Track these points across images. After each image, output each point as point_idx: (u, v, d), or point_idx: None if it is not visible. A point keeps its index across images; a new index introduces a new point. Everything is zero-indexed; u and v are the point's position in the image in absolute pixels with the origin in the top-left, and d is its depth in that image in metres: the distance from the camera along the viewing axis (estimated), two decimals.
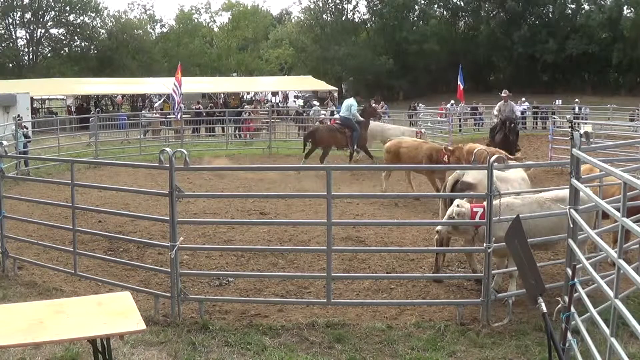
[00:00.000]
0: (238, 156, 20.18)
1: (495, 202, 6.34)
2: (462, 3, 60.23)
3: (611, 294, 3.88)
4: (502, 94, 17.37)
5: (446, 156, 11.38)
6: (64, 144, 18.85)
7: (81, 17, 55.20)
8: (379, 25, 59.11)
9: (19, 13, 52.59)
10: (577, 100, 30.28)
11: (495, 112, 17.57)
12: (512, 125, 16.14)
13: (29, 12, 52.67)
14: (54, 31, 55.14)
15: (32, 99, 29.79)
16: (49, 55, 55.20)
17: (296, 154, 20.62)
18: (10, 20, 52.73)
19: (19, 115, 18.21)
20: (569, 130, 10.93)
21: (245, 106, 32.16)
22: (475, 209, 6.28)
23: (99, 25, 56.99)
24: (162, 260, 7.72)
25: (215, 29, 64.43)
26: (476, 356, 5.28)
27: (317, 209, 10.71)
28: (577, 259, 4.96)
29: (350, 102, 17.21)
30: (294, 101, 40.50)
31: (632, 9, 50.39)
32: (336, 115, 28.12)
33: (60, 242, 8.71)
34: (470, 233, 6.44)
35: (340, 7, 61.08)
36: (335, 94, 41.57)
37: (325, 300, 6.18)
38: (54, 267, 7.54)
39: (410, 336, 5.66)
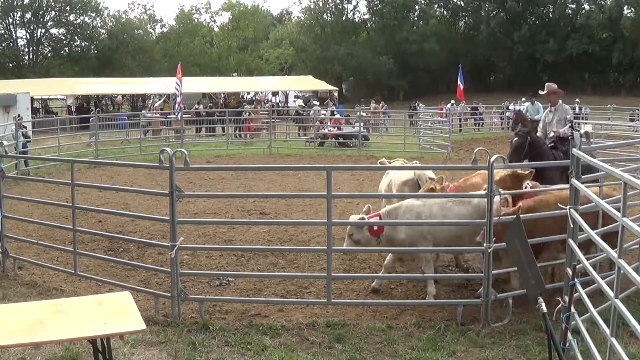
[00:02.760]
0: (238, 156, 20.19)
1: (397, 204, 6.64)
2: (462, 3, 60.28)
3: (611, 294, 3.88)
4: (544, 91, 9.59)
5: None
6: (64, 144, 18.86)
7: (81, 17, 55.28)
8: (379, 25, 59.15)
9: (19, 13, 52.62)
10: (577, 100, 30.29)
11: (540, 133, 9.63)
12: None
13: (29, 12, 52.72)
14: (54, 31, 55.30)
15: (32, 99, 29.82)
16: (49, 55, 55.26)
17: (296, 154, 20.64)
18: (11, 20, 52.77)
19: (19, 115, 18.23)
20: (569, 130, 10.85)
21: (246, 106, 32.17)
22: (371, 220, 6.45)
23: (99, 25, 57.13)
24: (162, 260, 7.72)
25: (216, 29, 64.53)
26: (476, 356, 5.28)
27: (317, 209, 10.71)
28: (577, 259, 4.96)
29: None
30: (294, 101, 40.53)
31: (632, 9, 50.45)
32: (337, 115, 28.20)
33: (60, 242, 8.72)
34: (372, 243, 6.54)
35: (340, 7, 61.16)
36: (336, 94, 41.61)
37: (325, 300, 6.18)
38: (54, 267, 7.54)
39: (411, 336, 5.66)
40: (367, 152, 20.69)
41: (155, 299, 6.24)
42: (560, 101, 9.35)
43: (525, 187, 6.75)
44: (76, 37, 55.64)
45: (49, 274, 7.53)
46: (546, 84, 9.75)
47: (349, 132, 22.69)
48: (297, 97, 42.75)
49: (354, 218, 6.61)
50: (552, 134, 9.25)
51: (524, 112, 19.13)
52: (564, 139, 8.98)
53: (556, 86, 9.57)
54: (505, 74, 58.24)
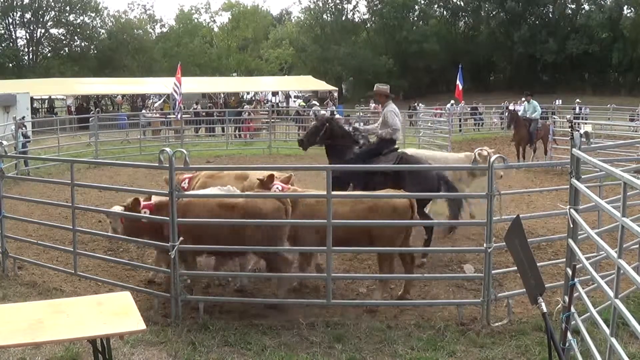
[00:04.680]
0: (238, 156, 20.17)
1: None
2: (462, 3, 60.28)
3: (611, 294, 3.88)
4: (373, 91, 9.19)
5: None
6: (64, 144, 18.86)
7: (81, 17, 55.33)
8: (379, 25, 59.18)
9: (19, 13, 52.64)
10: (578, 100, 30.29)
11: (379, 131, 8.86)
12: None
13: (29, 12, 52.74)
14: (54, 31, 55.35)
15: (32, 99, 29.82)
16: (49, 55, 55.27)
17: (296, 154, 20.61)
18: (10, 20, 52.78)
19: (23, 117, 18.25)
20: (569, 130, 10.82)
21: (245, 106, 32.16)
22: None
23: (99, 25, 57.20)
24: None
25: (215, 29, 64.58)
26: (476, 356, 5.28)
27: None
28: (577, 258, 4.96)
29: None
30: (294, 101, 40.53)
31: (632, 9, 50.47)
32: (337, 115, 28.17)
33: (60, 242, 8.72)
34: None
35: (340, 7, 61.16)
36: (335, 94, 41.60)
37: (325, 301, 6.18)
38: (54, 267, 7.54)
39: (410, 336, 5.66)
40: None
41: (155, 299, 6.24)
42: (390, 102, 8.85)
43: (276, 189, 7.00)
44: (76, 37, 55.67)
45: (49, 274, 7.53)
46: (375, 84, 9.20)
47: None
48: (297, 97, 42.76)
49: (117, 208, 6.73)
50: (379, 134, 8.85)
51: (521, 111, 19.19)
52: (386, 141, 8.71)
53: (386, 87, 9.01)
54: (505, 74, 58.28)
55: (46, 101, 40.80)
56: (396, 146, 8.90)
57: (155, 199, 6.60)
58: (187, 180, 7.86)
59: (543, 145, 18.10)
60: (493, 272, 5.99)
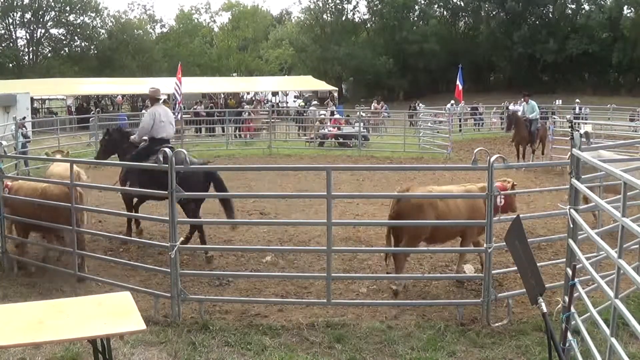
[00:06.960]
0: (238, 156, 20.17)
1: None
2: (462, 3, 60.24)
3: (611, 294, 3.88)
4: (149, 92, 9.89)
5: None
6: (64, 144, 18.84)
7: (81, 17, 55.32)
8: (379, 25, 59.15)
9: (19, 13, 52.64)
10: (578, 100, 30.29)
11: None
12: None
13: (29, 12, 52.74)
14: (54, 31, 55.35)
15: (32, 99, 29.82)
16: (49, 55, 55.29)
17: (296, 154, 20.63)
18: (10, 20, 52.77)
19: (24, 118, 18.24)
20: (569, 130, 10.82)
21: (245, 106, 32.17)
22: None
23: (99, 25, 57.17)
24: (162, 260, 7.71)
25: (215, 29, 64.64)
26: (476, 356, 5.29)
27: (317, 209, 10.70)
28: (577, 258, 4.96)
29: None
30: (294, 101, 40.55)
31: (632, 9, 50.43)
32: (337, 115, 28.20)
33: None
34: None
35: (340, 7, 61.10)
36: (335, 94, 41.60)
37: (325, 301, 6.19)
38: (54, 267, 7.54)
39: (410, 336, 5.66)
40: (367, 152, 20.69)
41: (155, 299, 6.25)
42: (158, 104, 9.52)
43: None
44: (76, 37, 55.66)
45: (49, 274, 7.53)
46: (149, 88, 9.84)
47: (348, 132, 22.69)
48: (296, 97, 42.77)
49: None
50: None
51: (520, 112, 19.21)
52: (154, 140, 9.50)
53: (157, 89, 9.72)
54: (505, 74, 58.20)
55: (36, 102, 40.58)
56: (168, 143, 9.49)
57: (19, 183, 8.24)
58: None
59: (542, 145, 18.13)
60: (493, 272, 5.99)
